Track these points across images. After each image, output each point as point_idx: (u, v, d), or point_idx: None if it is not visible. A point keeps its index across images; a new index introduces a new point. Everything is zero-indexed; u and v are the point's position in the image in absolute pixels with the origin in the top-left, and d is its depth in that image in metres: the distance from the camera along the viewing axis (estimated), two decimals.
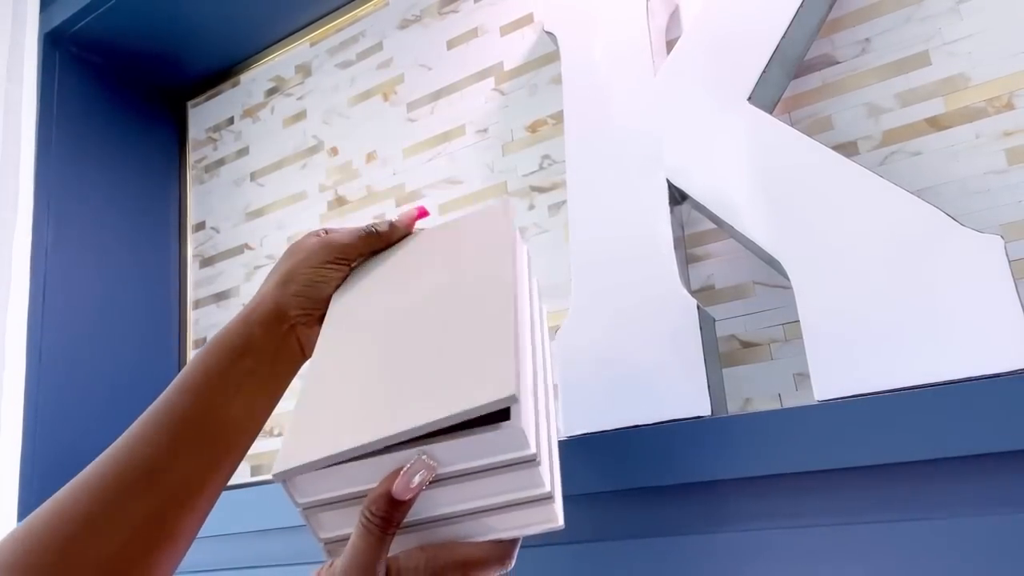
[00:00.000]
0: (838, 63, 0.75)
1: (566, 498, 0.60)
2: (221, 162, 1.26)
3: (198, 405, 0.42)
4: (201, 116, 1.31)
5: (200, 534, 0.77)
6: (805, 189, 0.61)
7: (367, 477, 0.35)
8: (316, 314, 0.47)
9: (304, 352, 0.48)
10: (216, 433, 0.42)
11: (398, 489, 0.34)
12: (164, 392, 0.43)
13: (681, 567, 0.55)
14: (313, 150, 1.14)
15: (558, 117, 0.91)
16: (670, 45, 0.81)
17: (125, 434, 0.41)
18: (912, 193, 0.56)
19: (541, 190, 0.91)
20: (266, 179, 1.18)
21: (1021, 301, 0.50)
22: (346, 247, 0.49)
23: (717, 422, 0.53)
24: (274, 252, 1.14)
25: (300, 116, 1.17)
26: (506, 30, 0.98)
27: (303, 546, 0.72)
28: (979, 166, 0.67)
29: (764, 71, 0.67)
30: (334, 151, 1.11)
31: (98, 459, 0.41)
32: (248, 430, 0.44)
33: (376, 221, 0.52)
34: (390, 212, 1.03)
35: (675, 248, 0.66)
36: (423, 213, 0.54)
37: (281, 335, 0.46)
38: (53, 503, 0.39)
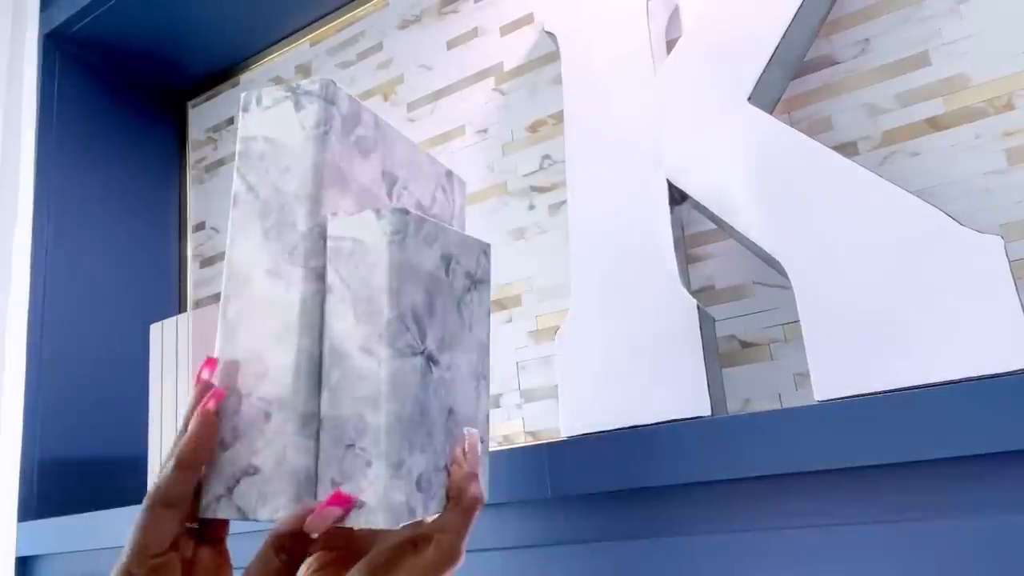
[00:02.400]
0: (838, 63, 0.75)
1: (568, 498, 0.60)
2: (221, 162, 1.26)
3: None
4: (201, 116, 1.31)
5: None
6: (805, 189, 0.61)
7: None
8: None
9: None
10: None
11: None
12: None
13: (681, 567, 0.55)
14: None
15: (558, 117, 0.91)
16: (670, 45, 0.81)
17: None
18: (912, 193, 0.56)
19: (541, 190, 0.91)
20: None
21: (1021, 301, 0.50)
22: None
23: (717, 422, 0.53)
24: None
25: None
26: (506, 30, 0.98)
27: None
28: (979, 166, 0.67)
29: (764, 71, 0.67)
30: None
31: None
32: None
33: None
34: None
35: (675, 248, 0.66)
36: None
37: None
38: None
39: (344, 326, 0.40)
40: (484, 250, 0.50)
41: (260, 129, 0.42)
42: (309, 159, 0.41)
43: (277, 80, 1.21)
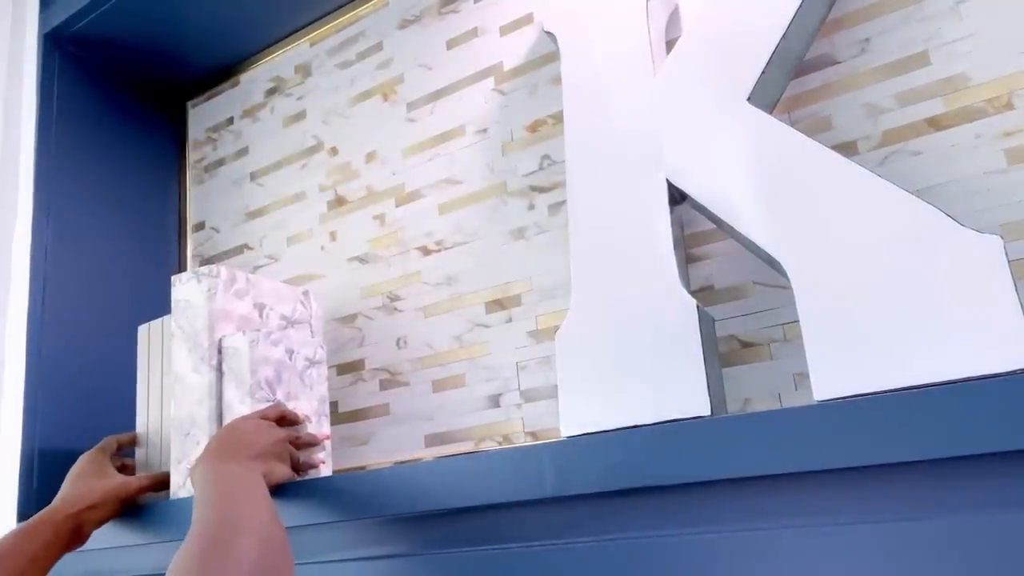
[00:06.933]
0: (838, 63, 0.75)
1: (568, 498, 0.60)
2: (221, 162, 1.26)
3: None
4: (201, 116, 1.31)
5: None
6: (805, 189, 0.61)
7: None
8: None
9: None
10: None
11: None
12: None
13: (681, 567, 0.55)
14: (313, 150, 1.14)
15: (558, 117, 0.91)
16: (670, 45, 0.81)
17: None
18: (912, 193, 0.56)
19: (541, 190, 0.91)
20: (266, 179, 1.18)
21: (1021, 301, 0.50)
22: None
23: (717, 422, 0.53)
24: (274, 252, 1.14)
25: (300, 116, 1.17)
26: (506, 30, 0.98)
27: (304, 545, 0.72)
28: (979, 166, 0.67)
29: (764, 71, 0.67)
30: (334, 151, 1.11)
31: None
32: None
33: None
34: (390, 212, 1.03)
35: (675, 248, 0.66)
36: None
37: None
38: None
39: (231, 393, 0.78)
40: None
41: (182, 295, 0.83)
42: (205, 308, 0.80)
43: (277, 80, 1.21)
